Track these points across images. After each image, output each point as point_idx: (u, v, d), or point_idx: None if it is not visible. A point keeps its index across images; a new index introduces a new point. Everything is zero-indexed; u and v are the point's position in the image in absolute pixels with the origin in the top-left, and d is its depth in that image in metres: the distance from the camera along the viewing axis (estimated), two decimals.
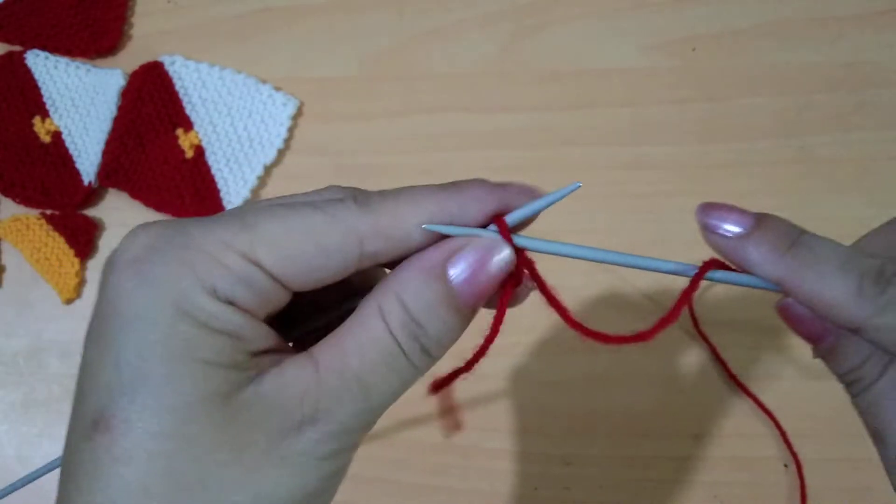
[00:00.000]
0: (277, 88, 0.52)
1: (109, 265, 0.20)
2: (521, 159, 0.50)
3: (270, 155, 0.51)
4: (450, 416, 0.26)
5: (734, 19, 0.52)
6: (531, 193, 0.22)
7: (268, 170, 0.52)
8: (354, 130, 0.52)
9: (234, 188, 0.51)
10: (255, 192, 0.52)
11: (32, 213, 0.51)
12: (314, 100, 0.52)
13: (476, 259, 0.21)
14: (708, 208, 0.22)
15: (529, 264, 0.22)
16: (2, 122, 0.52)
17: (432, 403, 0.47)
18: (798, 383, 0.47)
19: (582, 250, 0.22)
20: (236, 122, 0.52)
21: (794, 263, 0.21)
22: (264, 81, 0.52)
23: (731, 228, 0.22)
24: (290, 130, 0.52)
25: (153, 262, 0.19)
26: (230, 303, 0.19)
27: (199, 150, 0.51)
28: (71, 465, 0.19)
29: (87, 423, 0.19)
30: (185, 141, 0.51)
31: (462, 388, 0.48)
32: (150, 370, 0.18)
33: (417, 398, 0.49)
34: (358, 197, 0.21)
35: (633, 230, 0.49)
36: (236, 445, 0.19)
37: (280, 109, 0.52)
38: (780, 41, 0.52)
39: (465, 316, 0.21)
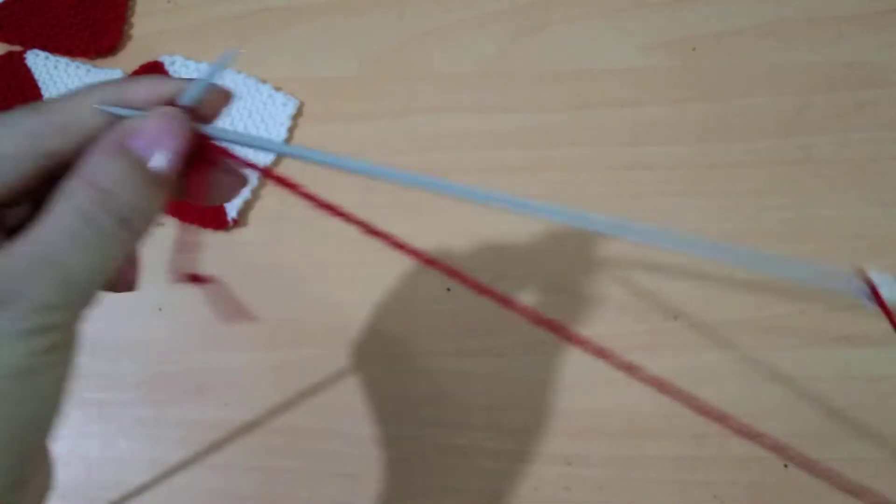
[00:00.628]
0: (277, 88, 0.52)
1: None
2: (521, 159, 0.50)
3: (270, 155, 0.51)
4: (229, 305, 0.26)
5: (734, 19, 0.52)
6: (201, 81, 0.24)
7: None
8: (354, 130, 0.52)
9: None
10: (256, 192, 0.52)
11: None
12: (314, 100, 0.52)
13: (153, 128, 0.22)
14: None
15: (217, 149, 0.23)
16: None
17: (432, 404, 0.47)
18: (798, 383, 0.47)
19: (300, 151, 0.24)
20: (236, 122, 0.52)
21: None
22: (264, 81, 0.52)
23: None
24: (290, 130, 0.52)
25: None
26: None
27: None
28: None
29: None
30: None
31: (462, 388, 0.48)
32: None
33: (418, 400, 0.49)
34: (32, 103, 0.22)
35: None
36: None
37: (280, 109, 0.52)
38: (780, 41, 0.52)
39: (157, 183, 0.22)
